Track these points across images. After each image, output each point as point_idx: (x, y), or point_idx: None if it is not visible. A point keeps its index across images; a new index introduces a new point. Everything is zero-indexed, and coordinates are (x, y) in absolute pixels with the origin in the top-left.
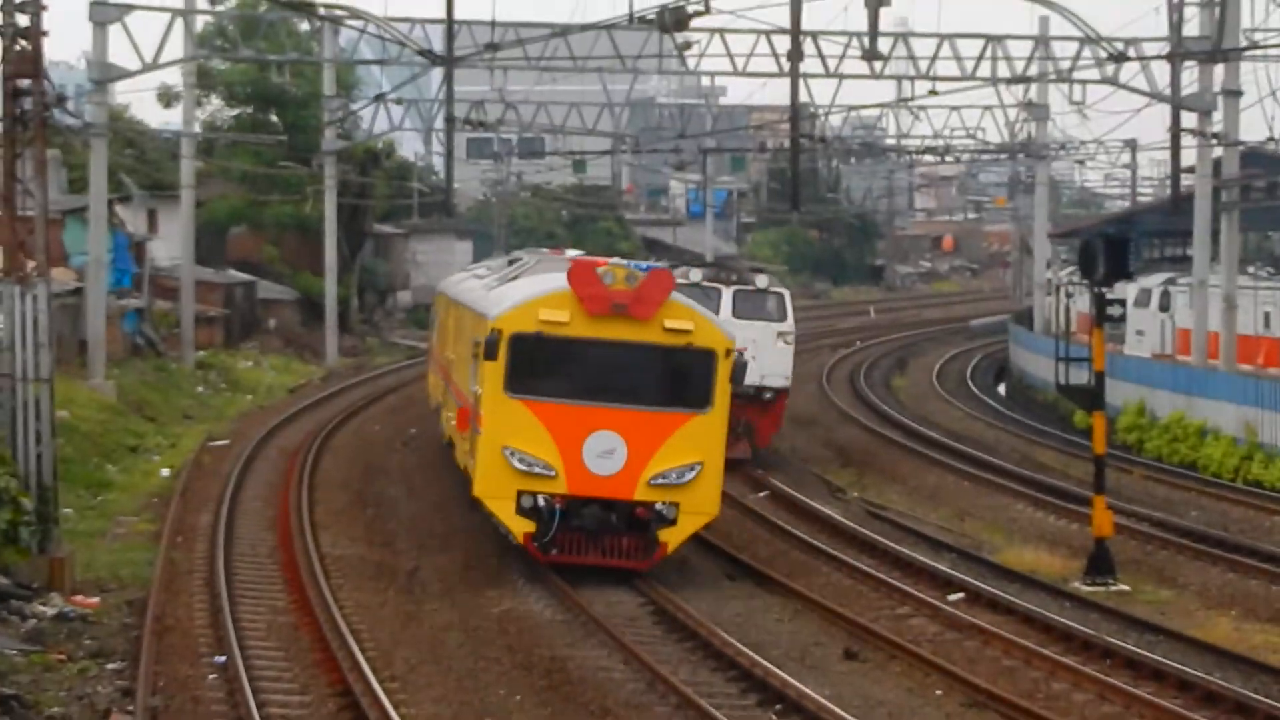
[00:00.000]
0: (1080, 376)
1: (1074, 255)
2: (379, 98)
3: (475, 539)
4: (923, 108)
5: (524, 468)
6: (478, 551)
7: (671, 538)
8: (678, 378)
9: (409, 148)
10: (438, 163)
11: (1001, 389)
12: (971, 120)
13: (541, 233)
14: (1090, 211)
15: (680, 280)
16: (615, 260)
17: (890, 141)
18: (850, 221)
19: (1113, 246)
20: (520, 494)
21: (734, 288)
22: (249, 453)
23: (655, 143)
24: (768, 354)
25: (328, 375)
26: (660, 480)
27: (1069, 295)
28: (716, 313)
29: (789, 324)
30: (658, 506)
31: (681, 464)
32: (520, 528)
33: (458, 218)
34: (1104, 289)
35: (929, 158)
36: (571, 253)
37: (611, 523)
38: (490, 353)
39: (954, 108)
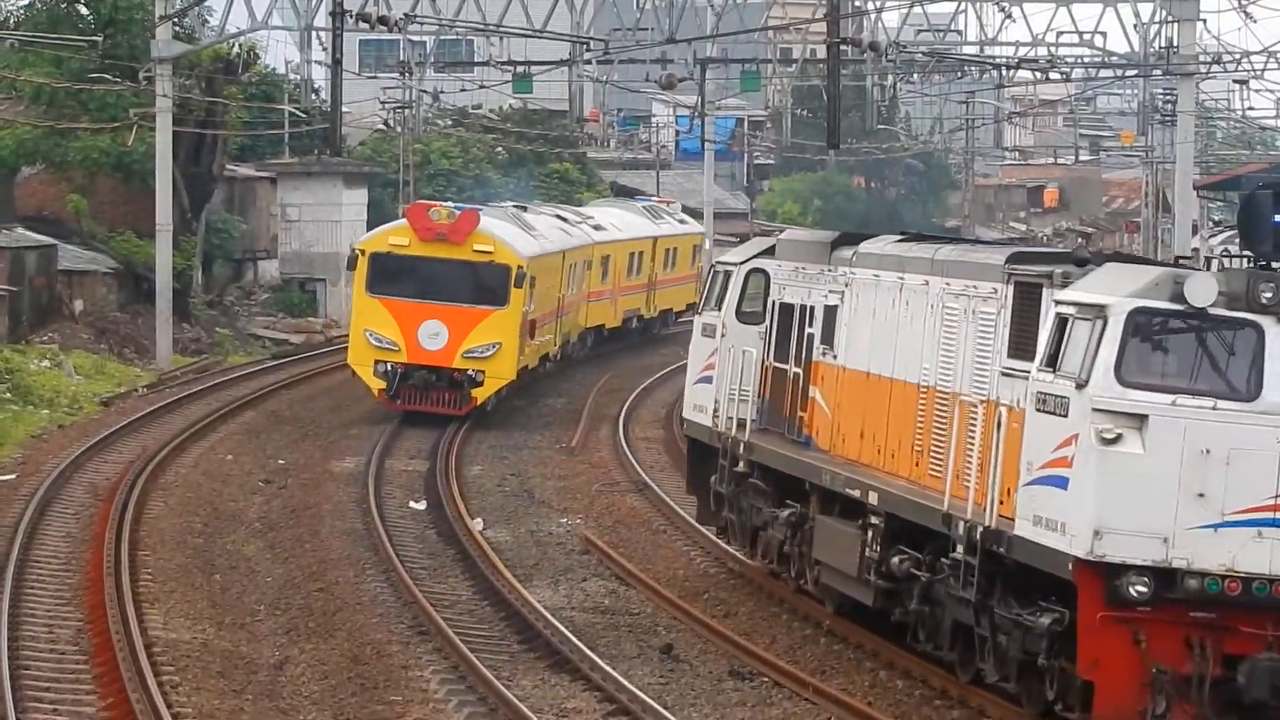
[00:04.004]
0: None
1: (1231, 215)
2: None
3: (370, 617)
4: (1017, 2)
5: (378, 344)
6: (372, 637)
7: (480, 394)
8: (483, 284)
9: (278, 54)
10: (319, 76)
11: None
12: (1087, 21)
13: (467, 176)
14: (1256, 153)
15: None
16: (443, 204)
17: (970, 50)
18: (912, 164)
19: None
20: (376, 362)
21: None
22: (44, 493)
23: (632, 50)
24: None
25: (158, 381)
26: (471, 354)
27: None
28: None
29: None
30: (469, 372)
31: (486, 342)
32: (376, 385)
33: (347, 155)
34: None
35: (1025, 74)
36: None
37: (435, 382)
38: (352, 265)
39: (1062, 2)
